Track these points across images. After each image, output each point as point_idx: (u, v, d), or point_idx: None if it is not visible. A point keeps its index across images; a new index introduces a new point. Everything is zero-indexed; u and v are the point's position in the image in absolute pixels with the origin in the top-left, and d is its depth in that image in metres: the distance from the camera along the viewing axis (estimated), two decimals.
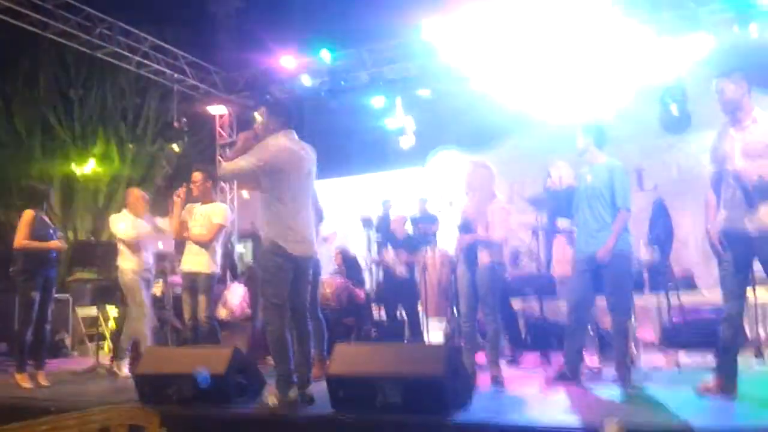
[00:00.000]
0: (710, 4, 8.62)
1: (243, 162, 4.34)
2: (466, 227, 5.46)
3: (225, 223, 6.10)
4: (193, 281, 5.97)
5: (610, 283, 4.99)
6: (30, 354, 6.19)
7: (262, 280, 4.37)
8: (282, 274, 4.32)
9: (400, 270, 7.43)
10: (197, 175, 6.18)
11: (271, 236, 4.37)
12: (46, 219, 6.37)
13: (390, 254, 7.56)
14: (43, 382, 6.07)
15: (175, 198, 6.09)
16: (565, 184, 6.06)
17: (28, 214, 6.18)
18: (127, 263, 6.53)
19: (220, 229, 6.04)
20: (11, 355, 7.64)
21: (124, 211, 6.74)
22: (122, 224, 6.62)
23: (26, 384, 5.96)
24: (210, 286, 5.99)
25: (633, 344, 6.15)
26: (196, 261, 5.97)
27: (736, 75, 4.32)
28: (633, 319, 6.25)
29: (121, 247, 6.57)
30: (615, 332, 5.04)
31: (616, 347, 5.01)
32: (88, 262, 8.86)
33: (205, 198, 6.13)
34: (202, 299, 5.94)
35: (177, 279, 7.18)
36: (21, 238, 6.09)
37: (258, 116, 4.63)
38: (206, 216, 6.04)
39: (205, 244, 5.96)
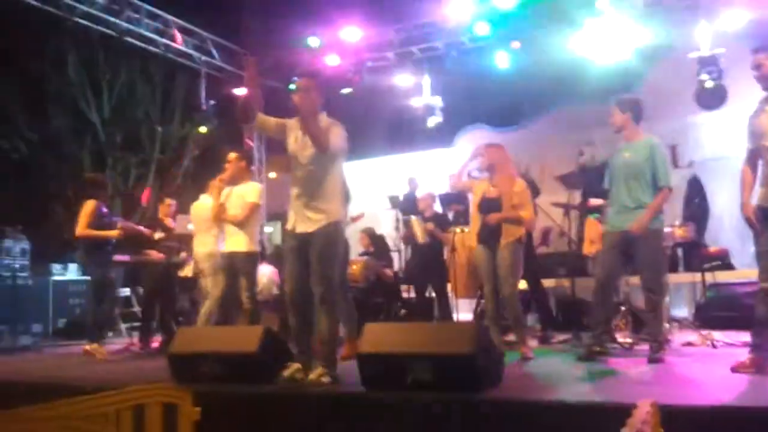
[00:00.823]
0: None
1: (344, 141, 4.39)
2: (488, 208, 5.44)
3: (259, 201, 6.11)
4: (231, 261, 5.97)
5: (644, 261, 4.94)
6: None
7: (333, 261, 4.33)
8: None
9: (423, 238, 7.38)
10: (232, 155, 6.20)
11: (341, 217, 4.44)
12: (105, 208, 6.81)
13: (416, 221, 7.51)
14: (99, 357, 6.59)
15: (216, 183, 6.14)
16: (598, 163, 5.99)
17: (90, 204, 6.70)
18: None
19: (254, 207, 6.05)
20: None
21: (206, 197, 6.78)
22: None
23: (101, 355, 6.49)
24: (250, 266, 5.98)
25: (667, 322, 6.09)
26: (233, 241, 5.97)
27: None
28: (667, 297, 6.17)
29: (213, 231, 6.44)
30: (649, 310, 5.01)
31: (650, 325, 4.98)
32: (118, 244, 9.00)
33: (240, 178, 6.14)
34: (243, 280, 5.93)
35: None
36: (82, 227, 6.63)
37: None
38: (241, 196, 6.05)
39: (240, 223, 5.96)
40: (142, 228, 7.48)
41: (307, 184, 4.36)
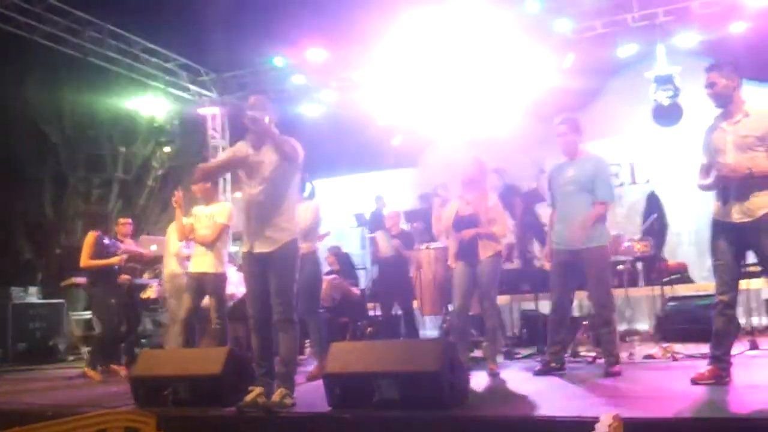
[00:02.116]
0: None
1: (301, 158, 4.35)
2: (463, 225, 5.47)
3: (228, 222, 6.06)
4: (199, 282, 5.92)
5: (593, 279, 5.04)
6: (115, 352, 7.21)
7: (293, 280, 4.31)
8: None
9: (387, 251, 7.38)
10: None
11: (297, 234, 4.42)
12: (107, 239, 7.08)
13: (381, 235, 7.51)
14: (123, 373, 6.78)
15: (174, 204, 6.13)
16: None
17: (91, 236, 7.02)
18: None
19: (224, 228, 6.00)
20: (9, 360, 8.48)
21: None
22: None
23: (97, 378, 6.67)
24: (219, 286, 5.94)
25: (629, 336, 6.19)
26: (202, 262, 5.93)
27: (726, 68, 4.30)
28: (628, 311, 6.28)
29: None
30: (601, 325, 5.12)
31: (605, 340, 5.06)
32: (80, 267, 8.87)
33: (208, 199, 6.12)
34: (212, 301, 5.90)
35: None
36: (84, 259, 6.93)
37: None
38: (210, 216, 6.02)
39: (210, 245, 5.92)
40: (141, 250, 7.60)
41: (265, 202, 4.30)
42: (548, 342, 5.25)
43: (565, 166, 5.23)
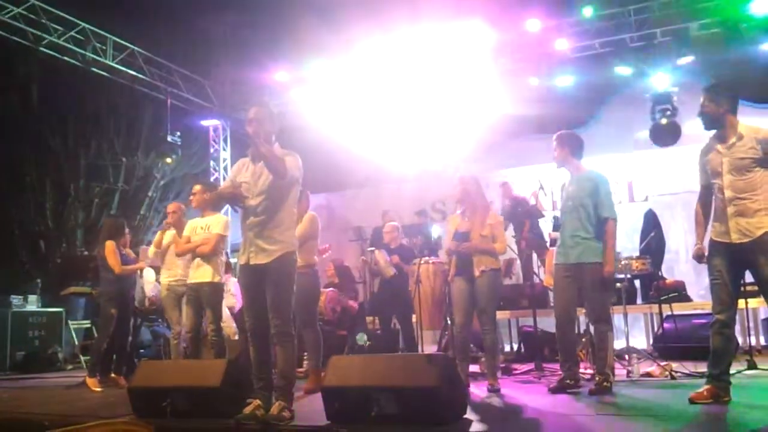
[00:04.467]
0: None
1: (299, 170, 4.35)
2: (459, 239, 5.50)
3: (224, 232, 6.08)
4: (197, 293, 5.94)
5: (590, 294, 5.03)
6: (115, 362, 7.20)
7: (290, 294, 4.30)
8: None
9: (389, 271, 7.38)
10: (196, 187, 6.23)
11: (295, 247, 4.40)
12: (120, 249, 7.16)
13: (380, 254, 7.51)
14: (123, 383, 6.77)
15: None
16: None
17: (111, 244, 7.07)
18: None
19: (220, 238, 6.01)
20: None
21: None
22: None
23: (96, 388, 6.65)
24: (216, 297, 5.95)
25: (627, 354, 6.19)
26: (199, 272, 5.94)
27: (716, 91, 4.33)
28: (626, 328, 6.29)
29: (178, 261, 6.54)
30: (598, 341, 5.10)
31: (599, 357, 5.06)
32: (80, 276, 8.89)
33: (205, 210, 6.16)
34: (208, 312, 5.90)
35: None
36: (118, 265, 6.94)
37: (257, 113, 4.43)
38: (206, 227, 6.05)
39: (207, 256, 5.95)
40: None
41: (261, 214, 4.29)
42: (560, 360, 5.22)
43: (568, 182, 5.26)
